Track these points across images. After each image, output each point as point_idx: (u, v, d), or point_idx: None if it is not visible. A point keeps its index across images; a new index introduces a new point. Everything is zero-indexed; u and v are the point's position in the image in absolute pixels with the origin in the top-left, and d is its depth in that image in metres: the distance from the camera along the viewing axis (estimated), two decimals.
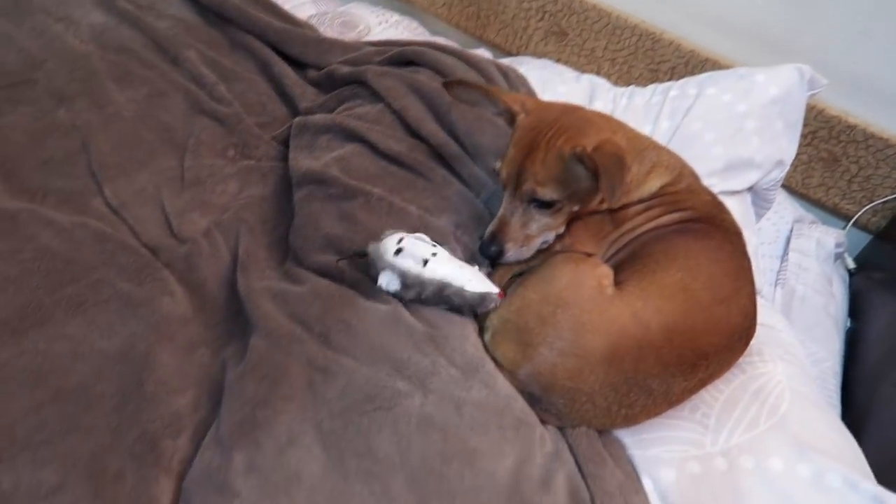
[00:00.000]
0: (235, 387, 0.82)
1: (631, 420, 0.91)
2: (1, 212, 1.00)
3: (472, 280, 0.91)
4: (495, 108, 1.06)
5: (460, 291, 0.90)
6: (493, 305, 0.92)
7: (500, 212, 1.00)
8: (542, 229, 1.00)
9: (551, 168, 0.95)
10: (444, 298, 0.91)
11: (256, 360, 0.84)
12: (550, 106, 1.04)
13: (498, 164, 1.00)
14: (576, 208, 1.00)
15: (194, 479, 0.76)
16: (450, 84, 1.05)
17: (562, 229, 1.02)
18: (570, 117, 0.98)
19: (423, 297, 0.91)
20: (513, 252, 0.99)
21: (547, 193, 0.96)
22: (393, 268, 0.90)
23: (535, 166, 0.95)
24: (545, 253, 1.03)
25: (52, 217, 1.01)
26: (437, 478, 0.76)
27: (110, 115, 1.25)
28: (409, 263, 0.90)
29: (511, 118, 1.03)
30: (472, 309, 0.93)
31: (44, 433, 0.78)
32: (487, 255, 1.01)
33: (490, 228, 1.01)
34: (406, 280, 0.90)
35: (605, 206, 1.01)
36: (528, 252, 1.01)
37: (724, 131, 1.30)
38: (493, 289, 0.92)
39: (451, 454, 0.77)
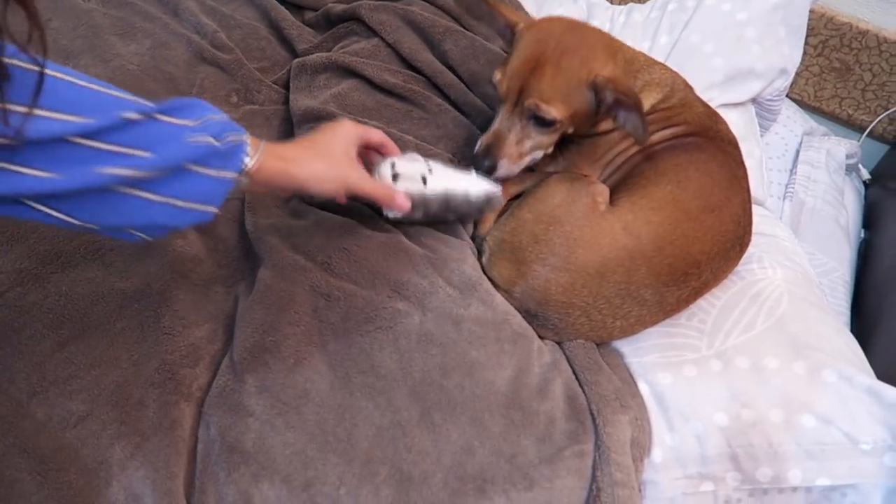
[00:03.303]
0: (245, 315, 0.86)
1: (627, 331, 0.94)
2: None
3: (473, 184, 0.91)
4: (496, 25, 1.04)
5: (465, 198, 0.90)
6: (499, 204, 0.94)
7: (496, 125, 0.97)
8: (535, 147, 0.98)
9: (560, 88, 0.92)
10: (451, 209, 0.91)
11: (264, 289, 0.88)
12: (554, 20, 1.00)
13: (497, 76, 0.97)
14: (570, 130, 0.99)
15: (211, 403, 0.81)
16: None
17: (550, 150, 1.01)
18: (576, 35, 0.95)
19: (431, 213, 0.91)
20: (505, 168, 0.98)
21: (551, 112, 0.93)
22: None
23: (541, 83, 0.92)
24: (541, 174, 1.05)
25: None
26: (438, 389, 0.80)
27: (115, 69, 1.27)
28: (408, 185, 0.89)
29: (511, 33, 1.00)
30: (481, 211, 0.94)
31: (70, 368, 0.83)
32: (480, 169, 0.98)
33: (484, 141, 0.98)
34: (411, 202, 0.89)
35: (598, 129, 1.02)
36: (517, 169, 0.99)
37: (724, 41, 1.28)
38: (495, 186, 0.92)
39: (451, 367, 0.81)
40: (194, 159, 0.64)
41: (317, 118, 1.10)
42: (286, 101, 1.24)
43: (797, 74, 1.71)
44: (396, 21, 1.23)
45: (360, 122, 1.07)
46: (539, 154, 1.00)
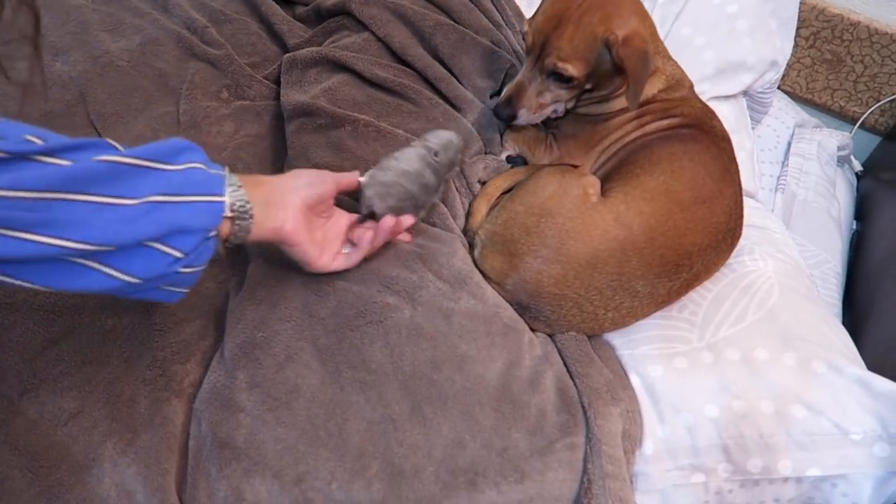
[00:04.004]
0: (236, 312, 0.86)
1: (618, 323, 0.94)
2: None
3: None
4: None
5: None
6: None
7: (519, 77, 1.02)
8: (554, 100, 1.02)
9: (578, 46, 0.94)
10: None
11: (254, 285, 0.88)
12: None
13: (525, 28, 1.00)
14: (589, 86, 1.01)
15: (203, 399, 0.81)
16: None
17: (572, 104, 1.04)
18: None
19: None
20: (525, 118, 1.04)
21: (568, 69, 0.96)
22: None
23: (561, 41, 0.95)
24: (533, 167, 1.05)
25: None
26: (429, 383, 0.80)
27: (105, 66, 1.27)
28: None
29: None
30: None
31: (61, 365, 0.83)
32: (501, 118, 1.05)
33: (506, 93, 1.03)
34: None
35: (618, 93, 1.03)
36: (538, 118, 1.05)
37: (715, 34, 1.28)
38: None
39: (441, 361, 0.81)
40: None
41: (307, 113, 1.10)
42: (277, 97, 1.24)
43: (789, 66, 1.71)
44: (387, 15, 1.23)
45: (349, 115, 1.07)
46: (560, 106, 1.04)
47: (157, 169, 0.64)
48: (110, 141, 0.64)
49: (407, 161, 0.88)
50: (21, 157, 0.56)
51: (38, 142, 0.58)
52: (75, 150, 0.60)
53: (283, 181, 0.78)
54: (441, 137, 0.92)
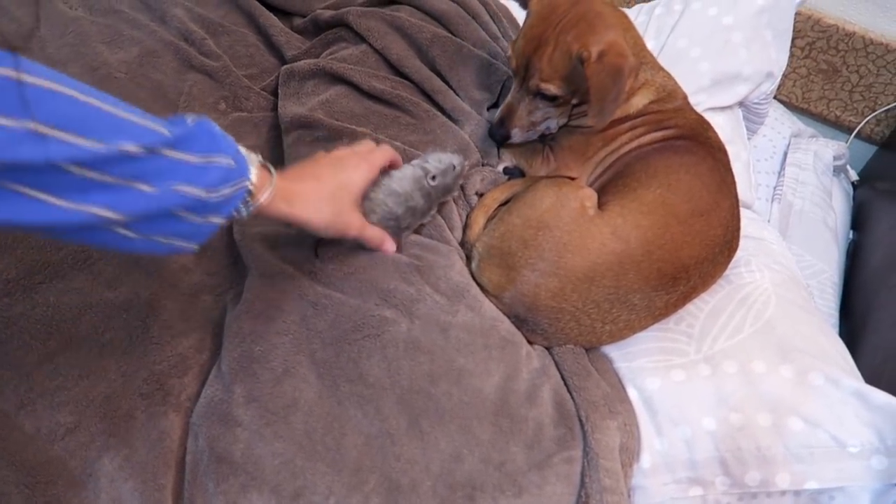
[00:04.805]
0: (234, 325, 0.86)
1: (616, 336, 0.94)
2: None
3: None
4: None
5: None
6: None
7: (508, 98, 1.05)
8: (545, 117, 1.05)
9: (557, 66, 0.96)
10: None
11: (252, 299, 0.88)
12: None
13: (509, 52, 1.02)
14: (576, 101, 1.03)
15: (200, 413, 0.81)
16: None
17: (564, 119, 1.06)
18: (582, 7, 0.97)
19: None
20: (519, 136, 1.07)
21: (551, 90, 0.98)
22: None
23: (541, 62, 0.97)
24: (530, 179, 1.05)
25: None
26: (426, 397, 0.80)
27: (103, 77, 1.27)
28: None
29: (526, 4, 1.03)
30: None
31: (58, 379, 0.83)
32: (496, 139, 1.08)
33: (499, 114, 1.07)
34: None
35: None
36: (532, 135, 1.08)
37: (711, 46, 1.28)
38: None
39: (439, 374, 0.81)
40: (183, 207, 0.61)
41: (304, 125, 1.11)
42: (275, 108, 1.24)
43: (785, 76, 1.72)
44: (384, 27, 1.23)
45: (347, 127, 1.07)
46: (552, 123, 1.06)
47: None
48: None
49: (399, 181, 0.89)
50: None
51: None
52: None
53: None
54: (442, 161, 0.93)
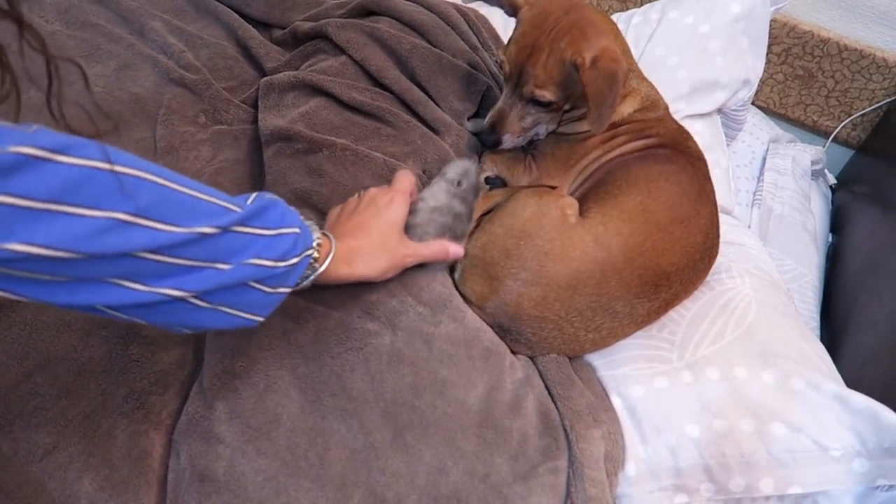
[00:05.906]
0: (215, 340, 0.85)
1: (599, 343, 0.94)
2: None
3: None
4: (501, 5, 1.06)
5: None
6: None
7: (500, 104, 1.05)
8: (535, 123, 1.05)
9: (551, 72, 0.97)
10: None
11: None
12: (554, 1, 1.01)
13: (501, 57, 1.03)
14: (567, 107, 1.03)
15: (181, 430, 0.80)
16: None
17: (554, 125, 1.07)
18: (574, 15, 0.97)
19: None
20: (509, 142, 1.07)
21: (545, 96, 0.99)
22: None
23: (535, 69, 0.97)
24: (512, 189, 1.05)
25: None
26: (410, 410, 0.79)
27: (80, 91, 1.26)
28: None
29: (514, 12, 1.03)
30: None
31: (36, 399, 0.82)
32: (486, 144, 1.09)
33: (489, 119, 1.07)
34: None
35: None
36: (522, 141, 1.08)
37: (688, 54, 1.30)
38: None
39: (422, 387, 0.81)
40: (254, 278, 0.62)
41: (284, 138, 1.10)
42: (255, 121, 1.24)
43: (762, 82, 1.74)
44: (363, 38, 1.23)
45: (327, 140, 1.07)
46: (542, 128, 1.06)
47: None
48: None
49: (433, 198, 0.92)
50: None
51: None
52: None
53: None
54: (458, 167, 0.96)
